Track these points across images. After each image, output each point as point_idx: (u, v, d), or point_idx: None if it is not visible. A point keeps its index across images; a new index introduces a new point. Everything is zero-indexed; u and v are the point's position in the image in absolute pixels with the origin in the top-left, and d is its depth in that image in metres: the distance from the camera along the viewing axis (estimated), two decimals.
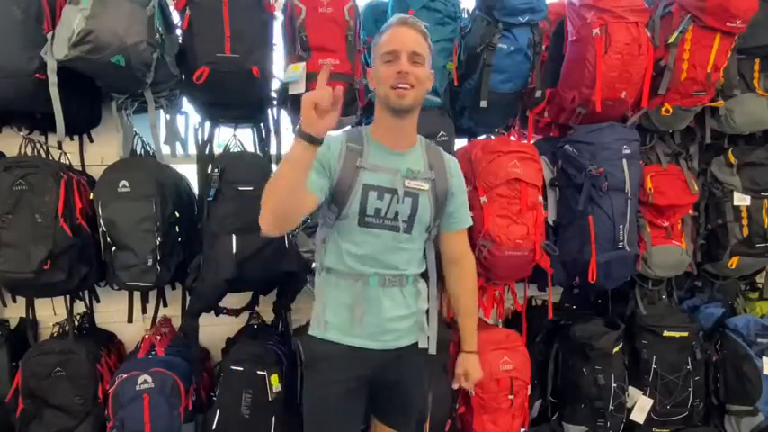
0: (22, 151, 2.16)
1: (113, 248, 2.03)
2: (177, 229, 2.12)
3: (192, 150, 2.32)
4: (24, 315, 2.29)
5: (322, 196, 1.48)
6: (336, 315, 1.57)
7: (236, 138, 2.34)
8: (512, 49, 2.16)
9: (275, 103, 2.28)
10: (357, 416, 1.65)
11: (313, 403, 1.63)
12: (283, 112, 2.31)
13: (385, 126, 1.55)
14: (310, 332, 1.63)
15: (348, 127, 2.02)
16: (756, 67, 2.47)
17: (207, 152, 2.29)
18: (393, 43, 1.46)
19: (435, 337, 1.72)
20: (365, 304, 1.55)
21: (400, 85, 1.44)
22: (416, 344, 1.65)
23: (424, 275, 1.70)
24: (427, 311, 1.69)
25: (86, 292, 2.32)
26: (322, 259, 1.61)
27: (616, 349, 2.41)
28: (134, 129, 2.28)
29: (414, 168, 1.56)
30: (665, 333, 2.47)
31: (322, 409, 1.60)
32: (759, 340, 2.52)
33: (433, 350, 1.71)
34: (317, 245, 1.64)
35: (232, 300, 2.27)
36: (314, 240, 1.72)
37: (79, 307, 2.36)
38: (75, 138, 2.34)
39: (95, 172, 2.24)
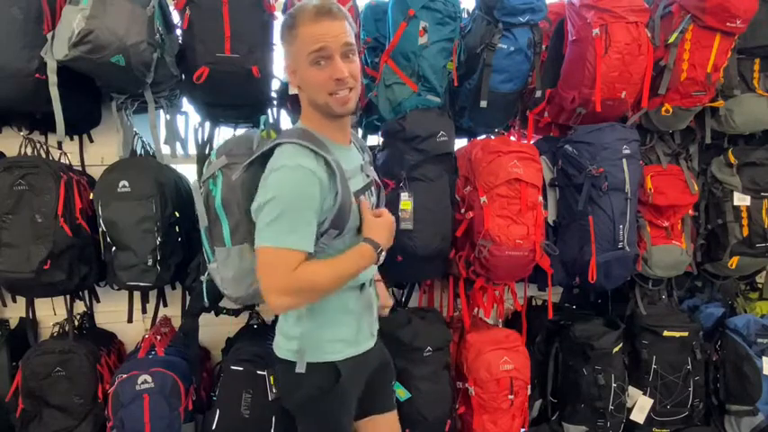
0: (22, 151, 2.16)
1: (113, 248, 2.03)
2: (177, 229, 2.12)
3: (192, 150, 2.32)
4: (24, 315, 2.29)
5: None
6: (348, 328, 1.50)
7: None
8: (512, 49, 2.16)
9: (275, 103, 2.28)
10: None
11: (334, 424, 1.53)
12: (283, 112, 2.31)
13: (330, 126, 1.41)
14: (323, 359, 1.45)
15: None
16: (756, 67, 2.47)
17: (207, 152, 2.29)
18: (322, 39, 1.28)
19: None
20: (366, 308, 1.54)
21: (340, 92, 1.31)
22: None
23: None
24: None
25: (86, 292, 2.32)
26: None
27: (616, 349, 2.41)
28: (134, 129, 2.28)
29: (363, 158, 1.53)
30: (665, 333, 2.47)
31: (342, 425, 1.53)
32: (759, 340, 2.52)
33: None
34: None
35: None
36: None
37: (79, 307, 2.36)
38: (76, 138, 2.34)
39: (95, 172, 2.24)
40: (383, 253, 1.41)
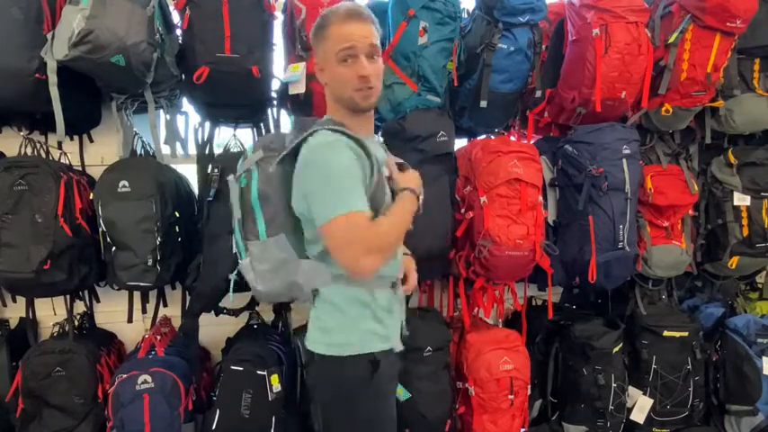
0: (22, 151, 2.16)
1: (113, 248, 2.03)
2: (177, 229, 2.12)
3: (192, 150, 2.32)
4: (24, 315, 2.29)
5: None
6: (383, 324, 1.46)
7: (236, 138, 2.34)
8: (512, 49, 2.16)
9: (275, 103, 2.28)
10: None
11: (373, 419, 1.48)
12: (283, 112, 2.32)
13: (355, 121, 1.45)
14: (362, 351, 1.42)
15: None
16: (756, 67, 2.46)
17: (207, 152, 2.29)
18: (350, 39, 1.37)
19: None
20: (398, 308, 1.53)
21: (364, 89, 1.39)
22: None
23: None
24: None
25: (86, 292, 2.32)
26: (328, 276, 1.45)
27: (616, 349, 2.41)
28: (134, 129, 2.28)
29: (384, 150, 1.57)
30: (665, 333, 2.47)
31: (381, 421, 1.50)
32: (759, 340, 2.52)
33: None
34: (314, 266, 1.47)
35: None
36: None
37: (79, 307, 2.36)
38: (76, 138, 2.34)
39: (95, 172, 2.24)
40: (420, 200, 1.47)
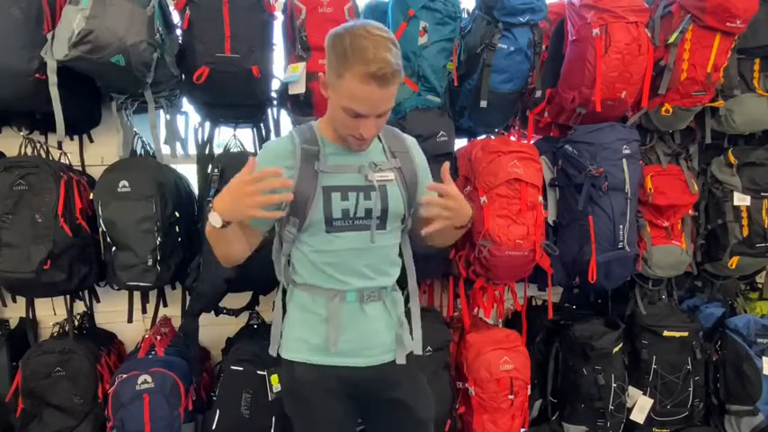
0: (22, 151, 2.16)
1: (113, 248, 2.03)
2: (177, 229, 2.12)
3: (192, 150, 2.33)
4: (24, 315, 2.29)
5: (268, 226, 1.43)
6: (314, 333, 1.44)
7: (236, 138, 2.34)
8: (512, 49, 2.16)
9: (275, 103, 2.28)
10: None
11: (301, 426, 1.52)
12: (283, 112, 2.31)
13: (342, 139, 1.41)
14: (285, 356, 1.48)
15: None
16: (756, 67, 2.46)
17: (207, 152, 2.29)
18: (362, 103, 1.26)
19: (420, 333, 1.59)
20: (344, 319, 1.43)
21: (361, 140, 1.34)
22: (406, 355, 1.52)
23: (403, 274, 1.59)
24: (408, 313, 1.59)
25: (86, 292, 2.31)
26: (290, 277, 1.48)
27: (616, 349, 2.41)
28: (134, 129, 2.28)
29: (376, 160, 1.44)
30: (665, 333, 2.47)
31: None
32: (759, 340, 2.52)
33: (418, 349, 1.58)
34: (279, 263, 1.49)
35: (232, 300, 2.27)
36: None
37: (79, 307, 2.36)
38: (75, 138, 2.34)
39: (95, 172, 2.24)
40: (215, 216, 1.26)
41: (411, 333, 1.57)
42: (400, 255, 1.56)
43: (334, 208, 1.39)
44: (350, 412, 1.52)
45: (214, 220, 1.25)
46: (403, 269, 1.57)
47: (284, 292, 1.53)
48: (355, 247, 1.42)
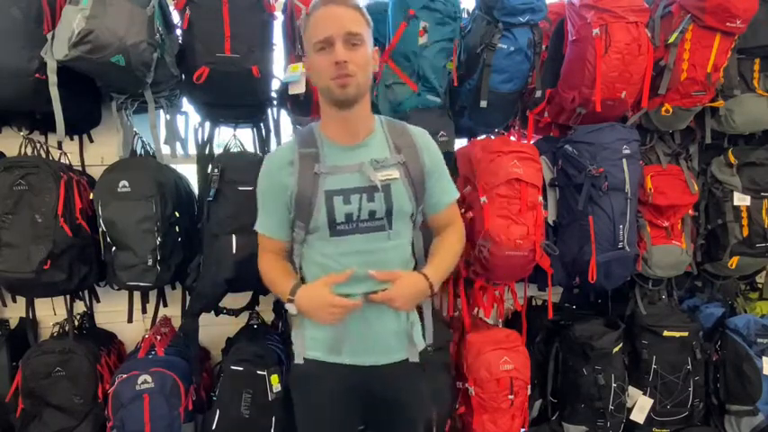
0: (22, 151, 2.16)
1: (113, 248, 2.03)
2: (177, 229, 2.12)
3: (192, 150, 2.32)
4: (24, 315, 2.29)
5: (290, 234, 1.49)
6: (320, 331, 1.46)
7: (236, 138, 2.34)
8: (512, 49, 2.15)
9: (275, 103, 2.28)
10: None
11: (308, 427, 1.56)
12: (283, 112, 2.31)
13: (335, 121, 1.41)
14: (294, 350, 1.55)
15: None
16: (756, 67, 2.46)
17: (207, 152, 2.29)
18: (325, 28, 1.29)
19: (431, 330, 1.62)
20: (350, 320, 1.42)
21: (340, 76, 1.30)
22: (408, 359, 1.52)
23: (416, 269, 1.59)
24: (420, 310, 1.59)
25: (86, 292, 2.31)
26: (302, 275, 1.51)
27: (616, 349, 2.41)
28: (134, 129, 2.27)
29: (378, 157, 1.41)
30: (665, 333, 2.47)
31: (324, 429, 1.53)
32: (759, 340, 2.52)
33: (429, 340, 1.60)
34: (294, 264, 1.52)
35: (232, 300, 2.27)
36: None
37: (79, 307, 2.36)
38: (75, 138, 2.34)
39: (95, 172, 2.24)
40: (292, 308, 1.47)
41: (423, 329, 1.58)
42: (414, 250, 1.55)
43: (337, 212, 1.38)
44: (352, 411, 1.52)
45: (291, 309, 1.46)
46: (416, 265, 1.56)
47: None
48: (361, 250, 1.41)
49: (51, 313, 2.37)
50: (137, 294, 2.26)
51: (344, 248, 1.41)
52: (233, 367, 2.05)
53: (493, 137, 2.46)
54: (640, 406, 2.49)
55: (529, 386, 2.31)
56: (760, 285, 3.00)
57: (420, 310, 1.60)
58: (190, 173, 2.36)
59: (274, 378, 2.03)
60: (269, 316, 2.53)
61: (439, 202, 1.53)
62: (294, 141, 1.45)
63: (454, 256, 1.56)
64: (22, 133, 2.18)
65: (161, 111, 2.19)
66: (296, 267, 1.52)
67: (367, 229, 1.41)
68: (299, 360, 1.54)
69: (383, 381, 1.49)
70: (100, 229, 2.04)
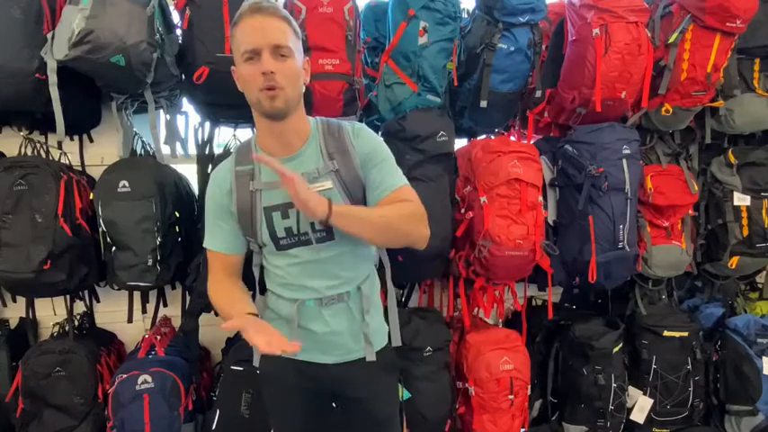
0: (22, 151, 2.16)
1: (113, 248, 2.03)
2: (177, 228, 2.12)
3: (192, 150, 2.32)
4: (24, 315, 2.29)
5: (241, 246, 1.49)
6: (279, 329, 1.43)
7: (236, 138, 2.34)
8: (512, 49, 2.16)
9: None
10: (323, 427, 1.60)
11: (278, 422, 1.62)
12: None
13: (268, 133, 1.39)
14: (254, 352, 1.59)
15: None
16: (756, 67, 2.46)
17: (207, 152, 2.29)
18: (252, 39, 1.26)
19: (398, 331, 1.65)
20: (304, 322, 1.46)
21: (268, 87, 1.27)
22: (379, 353, 1.54)
23: (381, 269, 1.62)
24: (385, 310, 1.62)
25: (86, 292, 2.32)
26: (261, 280, 1.56)
27: (616, 349, 2.41)
28: (134, 129, 2.28)
29: (309, 170, 1.38)
30: (665, 333, 2.47)
31: (288, 426, 1.59)
32: (759, 340, 2.52)
33: (396, 341, 1.63)
34: (255, 267, 1.56)
35: None
36: None
37: (79, 307, 2.36)
38: (76, 138, 2.34)
39: (95, 172, 2.24)
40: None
41: (389, 325, 1.62)
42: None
43: (277, 228, 1.40)
44: (313, 407, 1.56)
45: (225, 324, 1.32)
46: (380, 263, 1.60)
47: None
48: (310, 260, 1.43)
49: (51, 313, 2.38)
50: (137, 294, 2.26)
51: (292, 261, 1.44)
52: (233, 367, 2.05)
53: (493, 137, 2.46)
54: (640, 406, 2.49)
55: (529, 386, 2.31)
56: (760, 285, 3.00)
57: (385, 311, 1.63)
58: (190, 173, 2.36)
59: None
60: None
61: (380, 188, 1.42)
62: (232, 159, 1.46)
63: (385, 214, 1.37)
64: (22, 133, 2.18)
65: (161, 111, 2.19)
66: (255, 278, 1.56)
67: (310, 240, 1.41)
68: (256, 362, 1.59)
69: (341, 379, 1.52)
70: (100, 229, 2.04)
